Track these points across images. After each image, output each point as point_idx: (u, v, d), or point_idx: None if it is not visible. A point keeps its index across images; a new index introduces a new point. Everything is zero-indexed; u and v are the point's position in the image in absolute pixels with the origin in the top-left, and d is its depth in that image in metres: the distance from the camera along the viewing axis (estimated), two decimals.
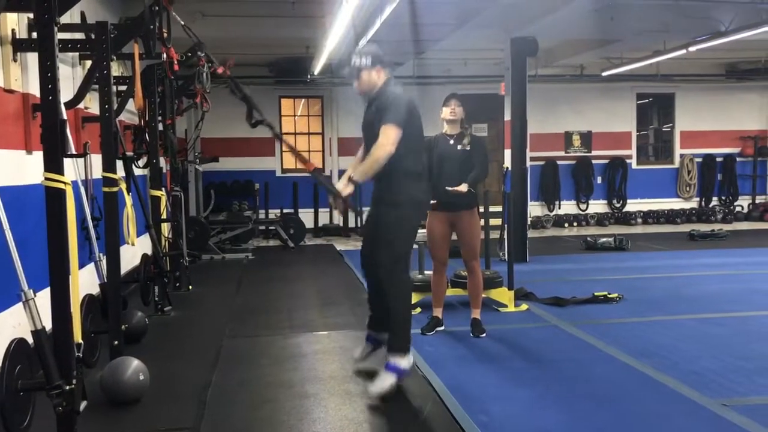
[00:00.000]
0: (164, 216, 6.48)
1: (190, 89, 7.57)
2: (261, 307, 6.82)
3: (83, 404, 3.58)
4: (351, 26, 7.31)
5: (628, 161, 14.27)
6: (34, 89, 4.77)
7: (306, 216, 12.46)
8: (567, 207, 14.16)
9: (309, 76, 11.69)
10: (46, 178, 3.40)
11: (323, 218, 12.88)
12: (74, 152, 3.53)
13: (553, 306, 6.44)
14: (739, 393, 4.07)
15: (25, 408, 3.46)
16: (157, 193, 6.32)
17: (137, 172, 6.32)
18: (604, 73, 12.24)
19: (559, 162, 14.10)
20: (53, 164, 3.41)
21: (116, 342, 4.59)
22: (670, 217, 13.97)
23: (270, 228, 11.92)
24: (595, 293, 6.70)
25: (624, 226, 13.66)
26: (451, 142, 5.41)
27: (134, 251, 6.55)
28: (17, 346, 3.40)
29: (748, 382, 4.25)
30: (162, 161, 7.93)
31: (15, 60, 4.45)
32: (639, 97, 14.43)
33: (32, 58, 4.75)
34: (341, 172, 12.86)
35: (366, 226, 4.56)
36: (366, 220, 4.52)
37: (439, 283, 5.64)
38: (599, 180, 14.24)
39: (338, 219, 12.60)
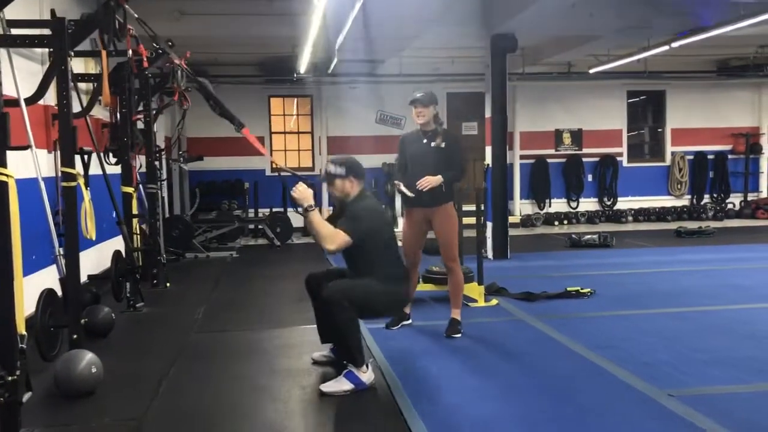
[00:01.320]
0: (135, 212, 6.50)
1: (167, 87, 7.62)
2: (235, 304, 6.86)
3: (27, 395, 3.59)
4: (324, 24, 7.35)
5: (618, 159, 14.25)
6: None
7: (296, 215, 12.47)
8: (557, 205, 14.16)
9: (295, 75, 11.71)
10: None
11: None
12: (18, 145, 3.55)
13: (524, 301, 6.45)
14: (687, 384, 4.08)
15: None
16: (128, 189, 6.35)
17: (111, 169, 6.39)
18: (592, 71, 12.22)
19: (549, 160, 14.10)
20: None
21: (75, 336, 4.61)
22: (661, 214, 13.94)
23: (259, 227, 11.95)
24: (568, 288, 6.70)
25: (614, 224, 13.64)
26: (425, 140, 5.33)
27: (111, 248, 6.59)
28: None
29: (698, 373, 4.27)
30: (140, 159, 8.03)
31: None
32: (630, 95, 14.40)
33: None
34: None
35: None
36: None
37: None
38: (590, 178, 14.23)
39: None
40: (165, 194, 10.50)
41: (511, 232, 12.44)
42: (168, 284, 7.59)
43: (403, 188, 5.31)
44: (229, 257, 9.89)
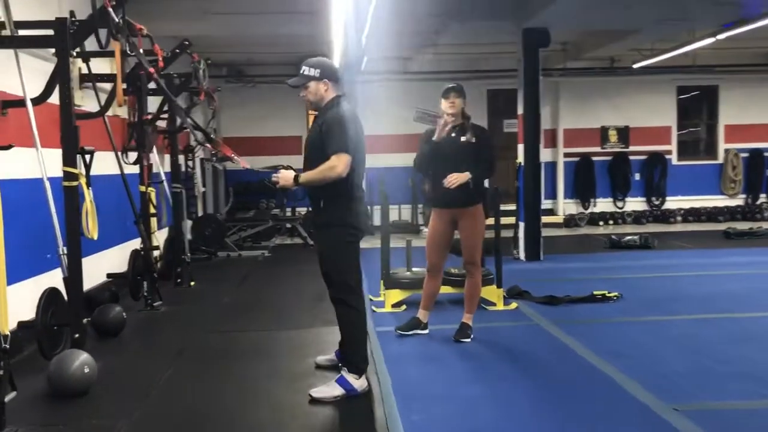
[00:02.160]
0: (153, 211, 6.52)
1: (192, 87, 7.65)
2: (254, 303, 6.82)
3: (12, 395, 3.60)
4: (348, 21, 7.25)
5: (667, 157, 13.70)
6: (3, 86, 4.91)
7: None
8: (603, 205, 13.70)
9: None
10: None
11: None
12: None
13: (546, 305, 6.21)
14: (699, 397, 3.82)
15: None
16: (147, 188, 6.37)
17: (129, 169, 6.44)
18: (636, 65, 11.79)
19: (594, 158, 13.64)
20: None
21: (77, 335, 4.62)
22: (712, 215, 13.35)
23: (293, 226, 11.94)
24: (594, 292, 6.42)
25: (662, 225, 13.13)
26: (453, 134, 5.05)
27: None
28: None
29: (714, 386, 4.00)
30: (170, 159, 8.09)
31: None
32: (681, 90, 13.83)
33: (1, 56, 4.86)
34: (367, 170, 12.80)
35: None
36: None
37: (430, 285, 5.31)
38: (637, 177, 13.72)
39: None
40: (198, 193, 10.58)
41: (553, 232, 12.28)
42: (192, 283, 7.60)
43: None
44: (260, 256, 9.89)
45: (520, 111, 8.91)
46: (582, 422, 3.53)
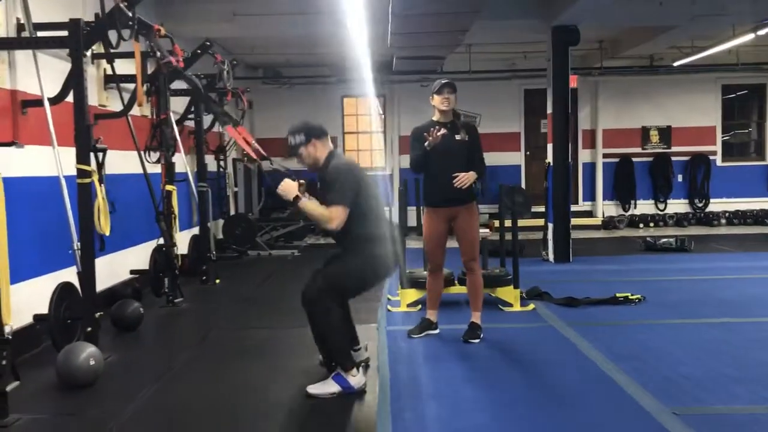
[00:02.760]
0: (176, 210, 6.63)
1: (219, 87, 7.77)
2: (273, 301, 6.88)
3: (14, 384, 3.69)
4: (372, 20, 7.25)
5: (711, 158, 13.29)
6: (23, 86, 5.06)
7: None
8: (644, 207, 13.38)
9: (362, 75, 11.66)
10: None
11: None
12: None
13: (565, 307, 6.09)
14: (702, 401, 3.69)
15: None
16: (169, 187, 6.49)
17: (152, 168, 6.56)
18: (676, 63, 11.48)
19: (635, 159, 13.33)
20: None
21: (89, 329, 4.73)
22: (760, 217, 12.90)
23: None
24: (617, 294, 6.27)
25: (705, 227, 12.76)
26: (446, 131, 4.97)
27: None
28: None
29: (720, 391, 3.85)
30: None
31: None
32: (726, 90, 13.41)
33: (21, 57, 5.02)
34: (402, 171, 12.73)
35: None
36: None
37: (433, 285, 5.30)
38: (679, 178, 13.36)
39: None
40: (230, 192, 10.74)
41: (591, 234, 12.07)
42: (217, 280, 7.72)
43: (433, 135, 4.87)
44: (290, 256, 9.96)
45: (549, 110, 8.78)
46: (574, 424, 3.45)
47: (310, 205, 4.04)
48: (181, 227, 8.05)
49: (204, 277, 7.65)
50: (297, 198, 4.03)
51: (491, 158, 12.66)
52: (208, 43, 6.60)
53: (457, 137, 5.01)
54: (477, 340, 5.02)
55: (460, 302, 6.20)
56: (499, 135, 13.18)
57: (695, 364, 4.35)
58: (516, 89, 13.20)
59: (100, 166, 4.79)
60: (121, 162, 6.62)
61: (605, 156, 13.41)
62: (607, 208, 13.41)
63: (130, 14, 4.66)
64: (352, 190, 4.01)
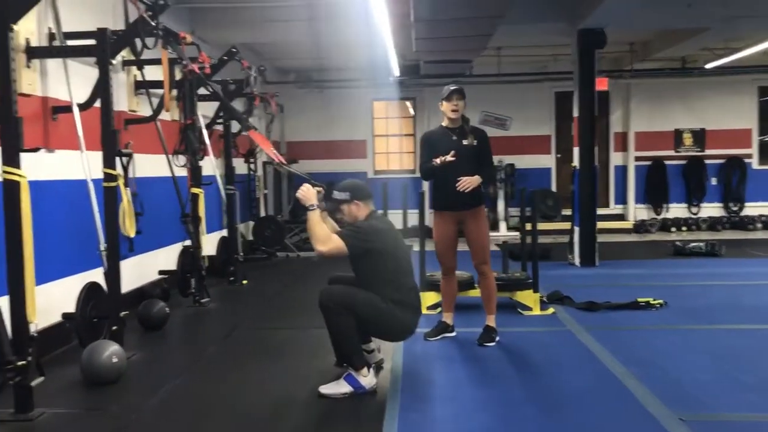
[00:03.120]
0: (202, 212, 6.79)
1: (247, 93, 7.92)
2: (297, 302, 6.99)
3: (39, 380, 3.86)
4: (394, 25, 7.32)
5: (747, 161, 13.07)
6: (54, 93, 5.26)
7: (396, 217, 12.51)
8: (676, 210, 13.21)
9: (391, 78, 11.76)
10: (5, 171, 3.74)
11: (412, 219, 12.88)
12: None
13: (586, 311, 6.09)
14: (711, 408, 3.68)
15: None
16: (196, 190, 6.65)
17: (182, 172, 6.75)
18: (708, 65, 11.32)
19: (667, 162, 13.18)
20: (10, 159, 3.75)
21: (115, 327, 4.90)
22: None
23: None
24: (638, 299, 6.25)
25: (740, 232, 12.54)
26: (454, 137, 5.09)
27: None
28: None
29: (731, 398, 3.84)
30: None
31: (29, 66, 4.88)
32: (763, 92, 13.15)
33: (52, 65, 5.22)
34: None
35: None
36: None
37: (447, 288, 5.38)
38: (713, 181, 13.16)
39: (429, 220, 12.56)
40: (260, 195, 10.91)
41: (622, 238, 11.98)
42: (245, 281, 7.87)
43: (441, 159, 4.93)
44: (317, 257, 10.05)
45: (575, 113, 8.75)
46: (577, 427, 3.49)
47: (315, 218, 4.14)
48: (211, 229, 8.25)
49: (232, 278, 7.82)
50: (312, 206, 4.15)
51: (522, 161, 12.91)
52: (234, 50, 6.76)
53: (465, 142, 5.06)
54: (492, 344, 5.06)
55: (479, 305, 6.20)
56: (529, 138, 13.18)
57: (710, 370, 4.33)
58: (547, 92, 13.15)
59: (126, 170, 4.95)
60: (151, 165, 6.82)
61: (637, 159, 13.27)
62: (638, 212, 13.28)
63: (154, 24, 4.79)
64: (364, 241, 4.11)
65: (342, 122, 13.21)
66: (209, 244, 7.90)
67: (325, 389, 4.07)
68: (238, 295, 7.36)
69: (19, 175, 3.74)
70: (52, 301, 5.00)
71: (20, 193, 3.75)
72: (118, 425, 3.70)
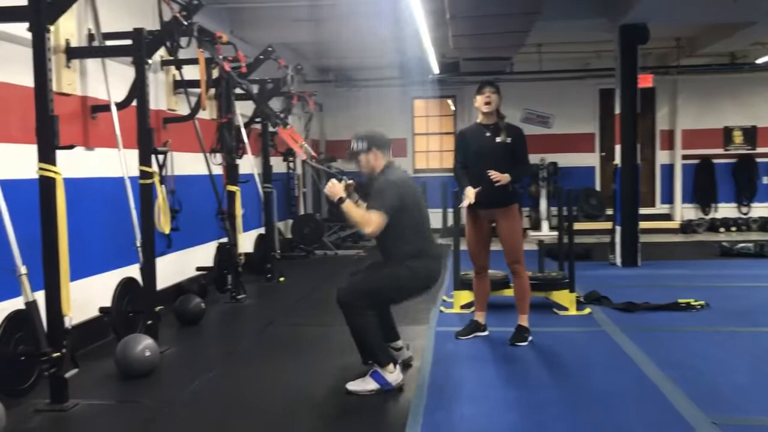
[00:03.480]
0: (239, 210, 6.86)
1: (284, 92, 7.98)
2: (331, 299, 6.87)
3: (73, 371, 3.95)
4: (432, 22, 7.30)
5: None
6: (94, 92, 5.38)
7: (435, 216, 12.46)
8: (725, 210, 12.84)
9: (430, 76, 11.72)
10: (40, 168, 3.84)
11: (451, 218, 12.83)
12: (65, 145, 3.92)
13: (623, 312, 5.96)
14: (746, 412, 3.57)
15: (28, 371, 3.89)
16: (232, 188, 6.73)
17: (218, 170, 6.84)
18: (759, 61, 10.98)
19: (716, 160, 12.83)
20: (46, 156, 3.84)
21: (150, 322, 4.99)
22: None
23: None
24: (679, 300, 6.10)
25: None
26: (488, 134, 5.05)
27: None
28: (15, 315, 3.84)
29: None
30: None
31: (68, 66, 5.00)
32: None
33: (91, 65, 5.34)
34: None
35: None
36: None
37: (479, 286, 5.33)
38: (765, 180, 12.76)
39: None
40: (299, 193, 11.00)
41: (668, 238, 11.72)
42: (281, 278, 7.93)
43: (469, 195, 4.97)
44: (355, 255, 10.11)
45: (617, 111, 8.58)
46: (605, 429, 3.41)
47: (351, 206, 4.15)
48: (250, 227, 8.34)
49: (269, 275, 7.89)
50: (341, 199, 4.14)
51: (565, 159, 12.71)
52: (270, 49, 6.81)
53: (498, 139, 5.00)
54: (524, 343, 4.99)
55: (513, 305, 6.14)
56: (573, 136, 13.00)
57: (749, 373, 4.20)
58: (591, 89, 12.92)
59: (161, 167, 5.03)
60: (190, 163, 6.93)
61: (684, 157, 12.95)
62: (685, 212, 12.96)
63: (185, 24, 4.85)
64: (394, 201, 4.09)
65: (381, 121, 13.10)
66: (247, 241, 8.00)
67: (352, 386, 4.06)
68: (274, 292, 7.42)
69: (55, 172, 3.83)
70: (92, 295, 5.12)
71: (56, 190, 3.84)
72: (149, 417, 3.76)
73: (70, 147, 3.88)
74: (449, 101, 13.59)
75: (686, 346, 4.87)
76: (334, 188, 4.19)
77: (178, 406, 3.94)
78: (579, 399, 3.87)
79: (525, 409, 3.73)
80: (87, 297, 5.14)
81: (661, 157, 13.10)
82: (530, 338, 5.04)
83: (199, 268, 6.94)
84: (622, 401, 3.80)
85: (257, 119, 8.00)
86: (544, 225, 12.75)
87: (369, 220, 4.06)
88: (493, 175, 4.85)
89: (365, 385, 4.06)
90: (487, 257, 5.26)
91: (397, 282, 4.17)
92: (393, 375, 4.08)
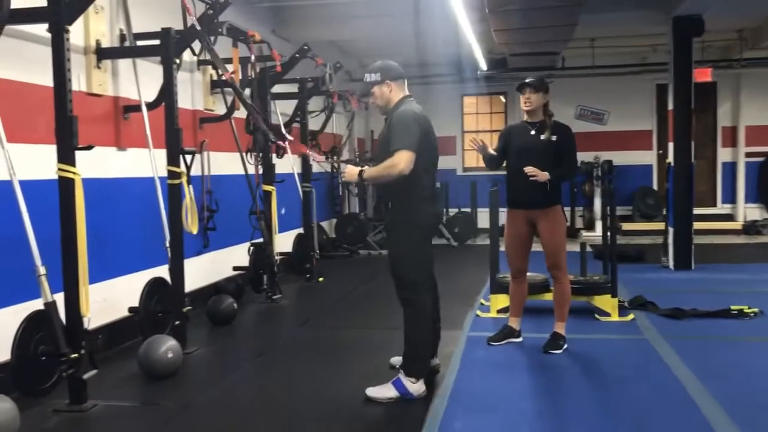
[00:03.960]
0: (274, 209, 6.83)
1: (324, 91, 7.92)
2: (368, 301, 6.92)
3: (92, 372, 3.94)
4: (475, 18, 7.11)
5: None
6: (126, 93, 5.40)
7: (482, 215, 12.22)
8: None
9: (479, 72, 11.48)
10: (59, 169, 3.85)
11: (502, 218, 12.55)
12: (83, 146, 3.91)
13: (669, 318, 5.66)
14: None
15: (49, 372, 3.90)
16: (268, 187, 6.70)
17: (253, 169, 6.83)
18: None
19: None
20: (65, 156, 3.85)
21: (177, 322, 4.98)
22: None
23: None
24: (732, 307, 5.76)
25: None
26: (533, 132, 4.85)
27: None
28: (35, 315, 3.85)
29: None
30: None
31: (99, 67, 5.03)
32: None
33: (123, 65, 5.36)
34: None
35: None
36: None
37: (516, 291, 5.12)
38: None
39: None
40: (342, 193, 10.93)
41: (729, 239, 11.20)
42: (321, 279, 7.87)
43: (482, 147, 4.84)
44: None
45: (670, 107, 8.21)
46: None
47: (372, 170, 3.97)
48: (291, 226, 8.32)
49: (308, 275, 7.84)
50: (361, 173, 3.98)
51: (621, 157, 12.28)
52: (306, 47, 6.75)
53: (542, 137, 4.79)
54: (559, 351, 4.77)
55: (552, 310, 5.93)
56: (629, 133, 12.60)
57: None
58: (648, 84, 12.46)
59: (189, 167, 5.00)
60: (228, 163, 6.93)
61: (748, 155, 12.37)
62: (749, 212, 12.38)
63: (215, 22, 4.81)
64: (417, 135, 3.85)
65: (430, 118, 13.00)
66: (287, 240, 7.97)
67: (372, 392, 3.93)
68: (312, 293, 7.36)
69: (74, 173, 3.83)
70: (123, 295, 5.14)
71: (74, 190, 3.84)
72: (166, 419, 3.73)
73: (89, 147, 3.87)
74: (501, 98, 13.32)
75: (732, 357, 4.57)
76: (350, 170, 4.05)
77: (197, 409, 3.90)
78: (606, 413, 3.65)
79: (546, 422, 3.54)
80: (118, 296, 5.17)
81: (723, 154, 12.55)
82: (565, 346, 4.82)
83: (235, 268, 6.93)
84: (652, 416, 3.57)
85: (297, 118, 7.96)
86: (599, 225, 12.34)
87: (394, 161, 3.78)
88: (530, 170, 4.67)
89: (386, 392, 3.93)
90: (525, 261, 5.05)
91: (416, 243, 4.00)
92: (416, 386, 3.93)
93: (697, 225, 11.44)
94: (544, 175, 4.70)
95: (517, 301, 5.11)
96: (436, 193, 4.13)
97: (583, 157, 12.51)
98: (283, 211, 8.50)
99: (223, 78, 5.36)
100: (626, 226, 12.18)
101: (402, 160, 3.78)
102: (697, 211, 12.05)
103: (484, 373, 4.37)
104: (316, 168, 9.04)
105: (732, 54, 11.46)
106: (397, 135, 3.85)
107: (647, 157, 12.82)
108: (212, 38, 5.06)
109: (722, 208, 12.53)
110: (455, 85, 12.71)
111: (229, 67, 6.12)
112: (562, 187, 4.92)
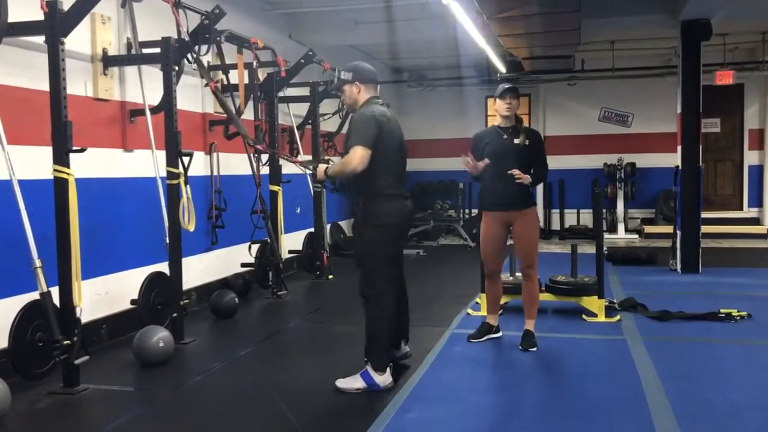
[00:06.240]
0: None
1: (333, 93, 8.16)
2: None
3: (84, 358, 4.26)
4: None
5: None
6: (132, 97, 5.73)
7: None
8: None
9: (499, 75, 11.58)
10: (55, 170, 4.17)
11: None
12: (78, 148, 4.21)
13: (655, 320, 5.74)
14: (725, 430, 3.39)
15: (45, 357, 4.23)
16: (275, 187, 6.98)
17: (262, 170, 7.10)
18: None
19: None
20: (60, 158, 4.17)
21: (175, 314, 5.28)
22: None
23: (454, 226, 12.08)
24: (720, 309, 5.81)
25: None
26: (505, 136, 5.04)
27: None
28: (32, 304, 4.19)
29: (762, 423, 3.50)
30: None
31: (105, 74, 5.37)
32: None
33: (129, 72, 5.69)
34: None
35: None
36: None
37: (491, 289, 5.29)
38: None
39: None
40: None
41: (753, 243, 11.08)
42: (330, 276, 8.12)
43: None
44: (414, 255, 10.15)
45: (678, 110, 8.23)
46: None
47: (333, 167, 4.19)
48: (305, 226, 8.59)
49: (318, 273, 8.10)
50: (326, 169, 4.20)
51: (644, 160, 12.24)
52: (310, 53, 6.99)
53: (516, 141, 4.97)
54: (535, 348, 4.92)
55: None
56: (653, 135, 12.51)
57: (755, 391, 3.97)
58: (671, 87, 12.20)
59: (186, 168, 5.29)
60: (236, 164, 7.23)
61: None
62: None
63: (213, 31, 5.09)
64: (373, 132, 4.01)
65: (454, 120, 13.18)
66: (299, 239, 8.25)
67: (341, 383, 4.16)
68: (319, 290, 7.61)
69: (67, 173, 4.15)
70: (127, 288, 5.46)
71: (68, 190, 4.16)
72: (147, 401, 4.04)
73: (81, 150, 4.18)
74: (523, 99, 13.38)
75: (702, 359, 4.64)
76: (320, 168, 4.24)
77: (182, 394, 4.18)
78: (557, 408, 3.79)
79: (499, 414, 3.71)
80: (123, 290, 5.50)
81: (750, 157, 12.38)
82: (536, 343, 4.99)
83: (243, 265, 7.23)
84: (600, 413, 3.70)
85: (310, 120, 8.22)
86: (620, 228, 12.34)
87: (349, 158, 3.97)
88: (516, 173, 4.84)
89: (353, 383, 4.15)
90: (500, 261, 5.22)
91: (377, 242, 4.16)
92: (382, 377, 4.13)
93: (722, 229, 11.47)
94: (526, 178, 4.88)
95: (492, 299, 5.29)
96: (403, 192, 4.28)
97: (607, 159, 12.54)
98: (298, 210, 8.80)
99: (207, 85, 5.64)
100: (648, 229, 12.14)
101: (356, 157, 3.97)
102: (722, 214, 12.08)
103: (455, 368, 4.55)
104: None
105: (757, 56, 11.33)
106: (353, 132, 4.08)
107: (671, 160, 12.68)
108: (207, 47, 5.30)
109: (749, 212, 12.37)
110: (479, 87, 12.83)
111: (234, 73, 6.44)
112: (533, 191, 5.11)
